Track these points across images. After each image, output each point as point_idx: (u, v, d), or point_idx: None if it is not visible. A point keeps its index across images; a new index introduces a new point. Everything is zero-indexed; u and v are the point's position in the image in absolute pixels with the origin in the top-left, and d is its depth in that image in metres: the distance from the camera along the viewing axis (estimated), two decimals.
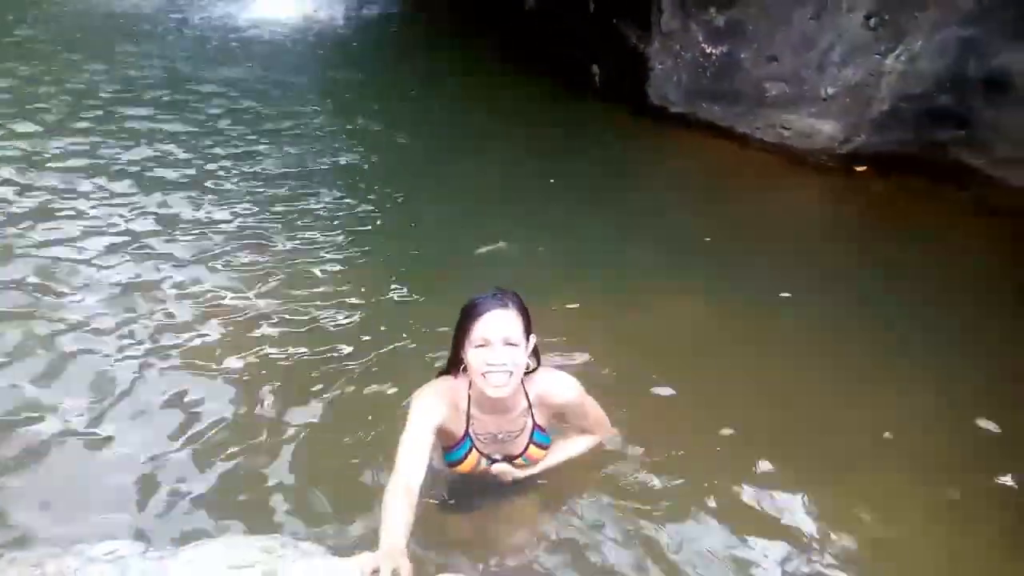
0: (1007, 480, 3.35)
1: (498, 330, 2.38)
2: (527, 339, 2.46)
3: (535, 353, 2.58)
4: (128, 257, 4.66)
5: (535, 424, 2.66)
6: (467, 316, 2.44)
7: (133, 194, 5.47)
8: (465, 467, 2.67)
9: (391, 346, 3.94)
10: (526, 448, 2.68)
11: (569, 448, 2.84)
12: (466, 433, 2.62)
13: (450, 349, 2.58)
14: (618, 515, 2.94)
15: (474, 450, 2.65)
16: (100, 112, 6.88)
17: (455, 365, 2.58)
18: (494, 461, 2.70)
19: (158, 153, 6.22)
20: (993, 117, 5.98)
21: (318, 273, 4.66)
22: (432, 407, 2.52)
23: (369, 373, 3.73)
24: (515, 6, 9.29)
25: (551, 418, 2.73)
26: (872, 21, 6.10)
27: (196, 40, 9.54)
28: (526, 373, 2.56)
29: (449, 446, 2.66)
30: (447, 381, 2.62)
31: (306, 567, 1.95)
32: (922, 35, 5.97)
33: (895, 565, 2.92)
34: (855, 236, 5.61)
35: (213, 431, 3.32)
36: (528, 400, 2.63)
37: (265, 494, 2.99)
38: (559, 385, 2.67)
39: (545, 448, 2.73)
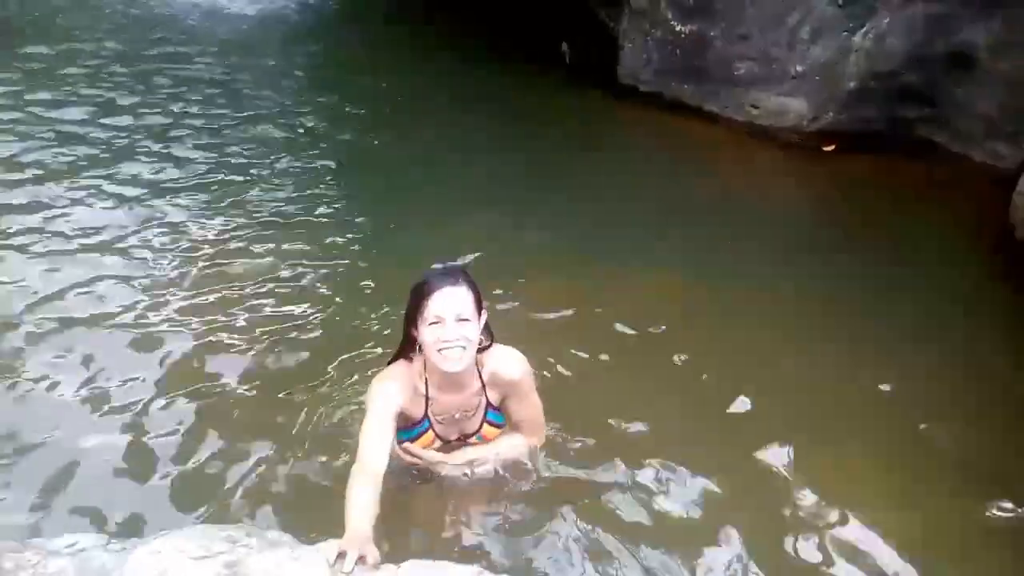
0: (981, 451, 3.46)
1: (451, 307, 2.37)
2: (479, 314, 2.46)
3: (487, 329, 2.57)
4: (78, 242, 4.55)
5: (488, 403, 2.67)
6: (419, 295, 2.43)
7: (86, 177, 5.34)
8: (421, 444, 2.65)
9: (353, 332, 3.91)
10: (480, 426, 2.68)
11: (506, 442, 2.74)
12: (425, 415, 2.61)
13: (403, 329, 2.56)
14: (585, 494, 2.97)
15: (431, 431, 2.64)
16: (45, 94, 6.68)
17: (409, 344, 2.56)
18: (446, 442, 2.68)
19: (110, 133, 6.08)
20: (958, 94, 6.06)
21: (279, 253, 4.60)
22: (391, 393, 2.51)
23: (332, 360, 3.68)
24: None
25: (501, 398, 2.71)
26: None
27: (147, 21, 9.24)
28: (480, 350, 2.55)
29: (407, 426, 2.63)
30: (402, 366, 2.61)
31: (270, 557, 1.93)
32: (889, 12, 6.00)
33: (879, 531, 2.97)
34: (822, 213, 5.68)
35: (174, 420, 3.27)
36: (482, 379, 2.63)
37: (231, 483, 2.96)
38: (510, 361, 2.66)
39: (499, 427, 2.72)
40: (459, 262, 2.59)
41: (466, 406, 2.64)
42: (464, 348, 2.40)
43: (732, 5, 6.54)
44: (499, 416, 2.72)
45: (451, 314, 2.37)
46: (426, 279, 2.44)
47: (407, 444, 2.63)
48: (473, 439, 2.71)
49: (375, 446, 2.37)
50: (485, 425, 2.69)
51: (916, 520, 3.09)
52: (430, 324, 2.39)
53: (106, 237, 4.65)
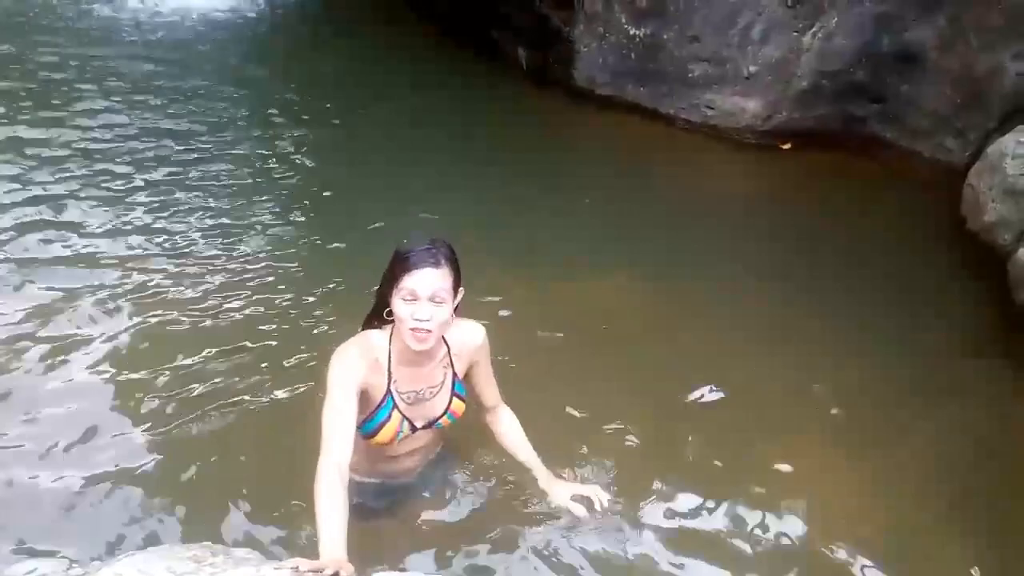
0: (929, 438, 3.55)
1: (427, 287, 2.31)
2: (455, 294, 2.41)
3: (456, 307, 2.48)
4: (27, 257, 4.44)
5: (455, 375, 2.60)
6: (398, 265, 2.35)
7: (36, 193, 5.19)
8: (386, 435, 2.50)
9: (314, 334, 3.85)
10: (449, 404, 2.60)
11: (530, 453, 2.76)
12: (388, 392, 2.49)
13: (377, 292, 2.47)
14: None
15: (396, 411, 2.51)
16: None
17: (380, 307, 2.46)
18: (415, 429, 2.57)
19: (68, 141, 5.92)
20: (906, 91, 6.21)
21: (231, 265, 4.51)
22: (352, 364, 2.39)
23: (292, 365, 3.64)
24: None
25: (466, 369, 2.66)
26: None
27: (110, 27, 9.05)
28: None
29: (370, 411, 2.49)
30: (367, 335, 2.52)
31: None
32: (837, 12, 6.12)
33: (832, 528, 3.02)
34: (777, 211, 5.74)
35: (131, 438, 3.19)
36: (448, 348, 2.58)
37: (195, 499, 2.90)
38: (472, 329, 2.63)
39: (464, 400, 2.65)
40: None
41: (431, 381, 2.55)
42: (433, 330, 2.35)
43: (684, 7, 6.61)
44: (464, 389, 2.65)
45: (426, 294, 2.31)
46: (410, 252, 2.34)
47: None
48: (444, 419, 2.60)
49: (339, 430, 2.26)
50: (454, 400, 2.60)
51: (879, 508, 3.15)
52: (403, 298, 2.34)
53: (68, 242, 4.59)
